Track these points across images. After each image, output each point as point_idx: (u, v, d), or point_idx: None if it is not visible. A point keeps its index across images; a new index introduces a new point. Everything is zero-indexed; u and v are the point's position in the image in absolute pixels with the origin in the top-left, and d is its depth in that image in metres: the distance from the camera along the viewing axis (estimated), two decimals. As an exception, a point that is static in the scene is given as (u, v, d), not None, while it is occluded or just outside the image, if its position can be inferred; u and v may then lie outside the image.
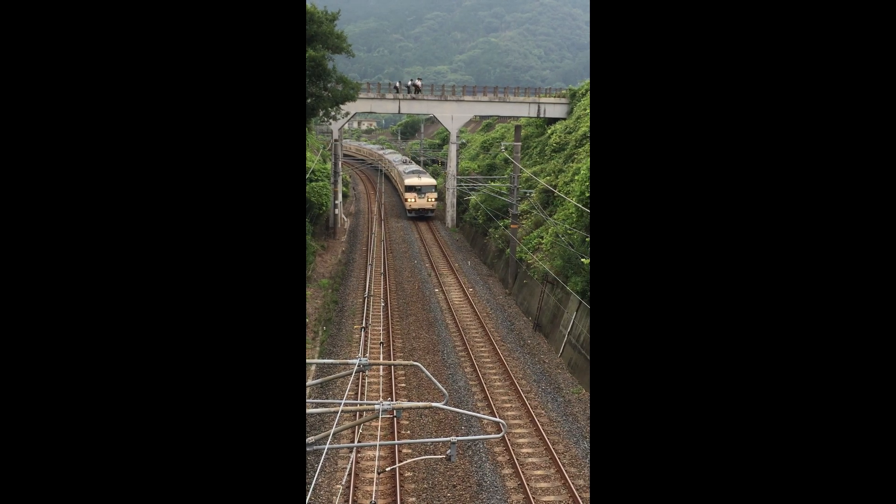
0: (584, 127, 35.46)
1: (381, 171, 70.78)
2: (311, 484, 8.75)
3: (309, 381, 9.55)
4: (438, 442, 15.63)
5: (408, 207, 51.08)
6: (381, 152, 78.10)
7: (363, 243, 40.85)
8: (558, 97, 44.53)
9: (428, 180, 51.61)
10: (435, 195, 50.90)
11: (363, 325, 24.87)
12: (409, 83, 44.39)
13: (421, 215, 51.04)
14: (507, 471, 15.46)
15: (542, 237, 29.90)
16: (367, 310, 26.97)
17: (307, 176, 33.26)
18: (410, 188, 51.38)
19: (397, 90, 43.56)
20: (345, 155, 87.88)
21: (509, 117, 51.22)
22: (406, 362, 8.73)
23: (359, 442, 15.76)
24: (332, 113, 30.10)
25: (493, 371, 21.55)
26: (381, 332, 24.83)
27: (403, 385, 20.26)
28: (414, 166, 59.82)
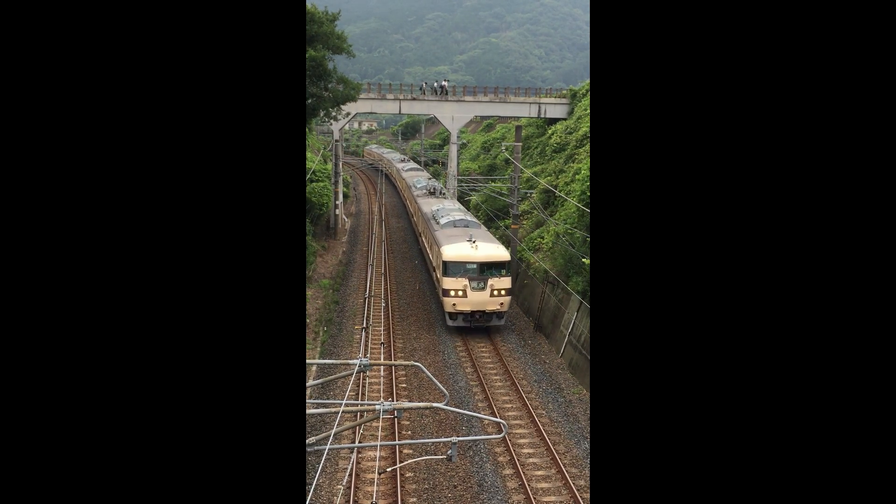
0: (585, 127, 35.46)
1: (381, 171, 68.76)
2: (311, 484, 8.75)
3: (310, 382, 9.56)
4: (439, 442, 15.63)
5: (450, 310, 24.11)
6: (399, 165, 56.84)
7: (364, 244, 40.85)
8: (559, 97, 44.53)
9: (492, 249, 24.29)
10: (508, 282, 24.06)
11: (364, 325, 24.87)
12: (435, 84, 43.93)
13: (478, 325, 24.39)
14: (507, 471, 15.46)
15: (542, 237, 29.91)
16: (368, 310, 26.97)
17: (307, 176, 33.26)
18: (455, 266, 23.72)
19: (422, 91, 43.10)
20: (368, 164, 78.19)
21: (510, 118, 51.19)
22: (407, 363, 8.73)
23: (359, 442, 15.76)
24: (333, 113, 30.10)
25: (494, 371, 21.54)
26: (382, 332, 24.83)
27: (404, 385, 20.26)
28: (456, 209, 31.74)
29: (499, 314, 24.45)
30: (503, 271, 23.95)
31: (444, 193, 37.97)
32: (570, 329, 22.64)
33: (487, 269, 23.71)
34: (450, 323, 24.56)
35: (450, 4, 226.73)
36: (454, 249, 24.16)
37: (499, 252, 24.29)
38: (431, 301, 28.86)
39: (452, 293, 23.81)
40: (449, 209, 31.26)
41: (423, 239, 33.02)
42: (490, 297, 23.75)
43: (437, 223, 28.84)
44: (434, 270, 27.75)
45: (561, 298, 24.37)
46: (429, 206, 33.40)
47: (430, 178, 44.85)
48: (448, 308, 24.25)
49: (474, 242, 24.25)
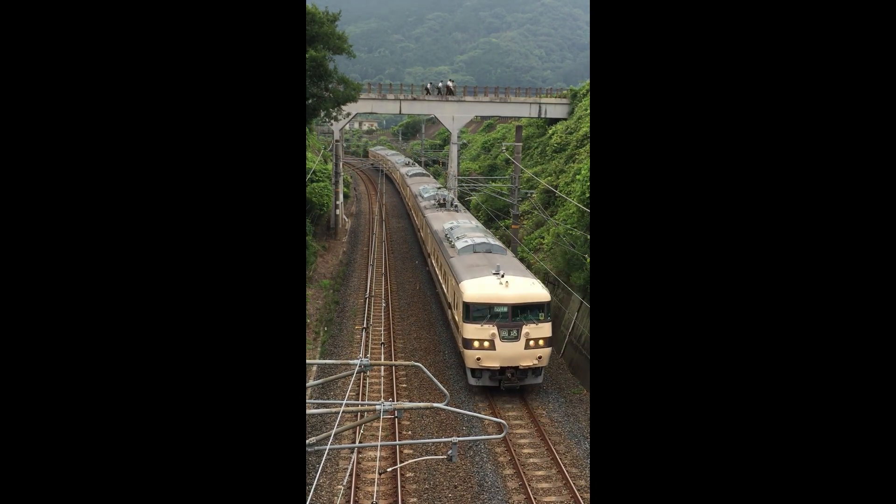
0: (585, 127, 35.45)
1: (381, 171, 68.55)
2: (312, 484, 8.75)
3: (310, 382, 9.57)
4: (440, 442, 15.63)
5: (473, 365, 18.35)
6: (403, 170, 50.63)
7: (364, 244, 40.84)
8: (559, 98, 44.55)
9: (526, 286, 18.72)
10: (547, 329, 18.27)
11: (364, 325, 24.88)
12: (440, 84, 43.76)
13: (509, 386, 18.62)
14: (508, 471, 15.46)
15: (542, 237, 29.92)
16: (368, 310, 26.98)
17: (308, 177, 33.26)
18: (479, 310, 18.22)
19: (427, 91, 43.00)
20: (370, 165, 78.41)
21: (510, 118, 51.20)
22: (407, 363, 8.75)
23: (360, 442, 15.77)
24: (333, 113, 30.12)
25: (495, 371, 21.50)
26: (382, 332, 24.84)
27: (405, 385, 20.26)
28: (474, 228, 26.41)
29: (535, 370, 18.37)
30: (541, 315, 18.09)
31: (456, 206, 31.75)
32: (571, 329, 22.64)
33: (521, 313, 17.98)
34: (472, 381, 18.61)
35: (450, 4, 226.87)
36: (478, 286, 18.48)
37: (535, 290, 18.48)
38: (432, 301, 28.87)
39: (476, 344, 17.90)
40: (465, 228, 25.44)
41: (433, 261, 27.32)
42: (525, 349, 17.83)
43: (452, 247, 22.98)
44: (450, 308, 21.44)
45: (561, 298, 24.38)
46: (439, 221, 27.66)
47: (439, 188, 38.56)
48: (470, 363, 18.23)
49: (503, 277, 18.47)
